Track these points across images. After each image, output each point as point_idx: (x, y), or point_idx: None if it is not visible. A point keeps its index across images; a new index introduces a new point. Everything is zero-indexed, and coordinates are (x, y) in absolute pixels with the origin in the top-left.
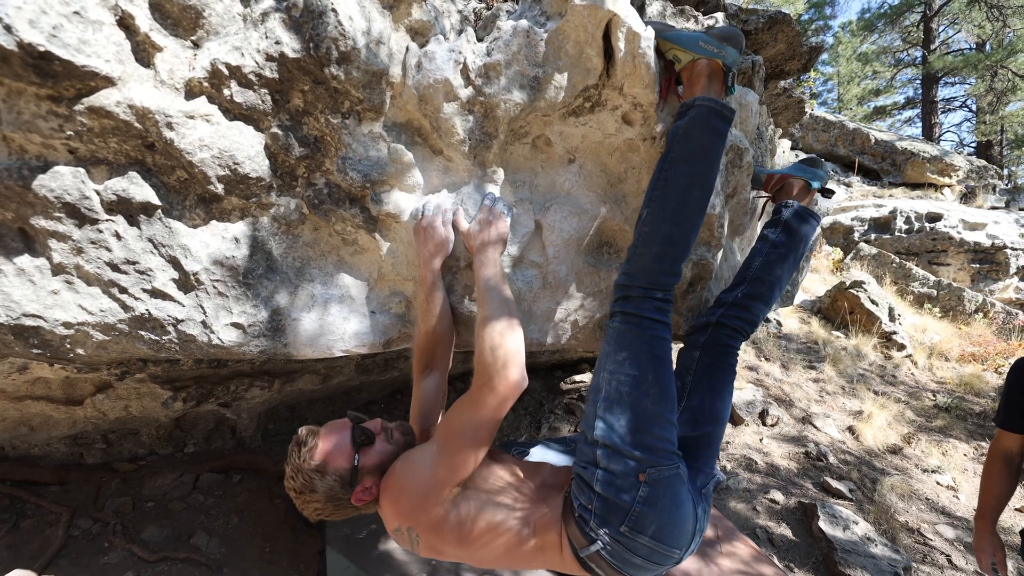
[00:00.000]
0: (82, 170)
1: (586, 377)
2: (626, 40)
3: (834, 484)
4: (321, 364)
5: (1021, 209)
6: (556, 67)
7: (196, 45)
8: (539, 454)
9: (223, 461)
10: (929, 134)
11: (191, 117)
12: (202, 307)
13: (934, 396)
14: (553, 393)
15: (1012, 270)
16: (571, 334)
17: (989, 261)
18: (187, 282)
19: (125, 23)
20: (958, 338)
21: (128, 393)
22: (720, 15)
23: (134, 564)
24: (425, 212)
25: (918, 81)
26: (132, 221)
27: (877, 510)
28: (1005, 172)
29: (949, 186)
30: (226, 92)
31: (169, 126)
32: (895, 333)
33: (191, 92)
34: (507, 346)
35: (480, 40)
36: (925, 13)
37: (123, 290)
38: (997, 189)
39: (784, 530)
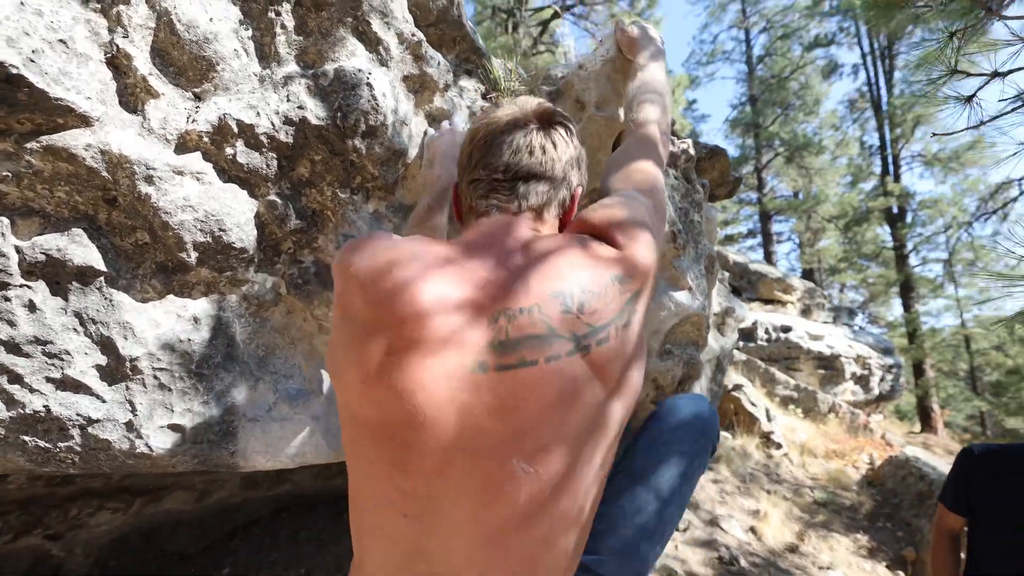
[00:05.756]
0: (5, 220)
1: None
2: None
3: None
4: (200, 478)
5: (845, 324)
6: None
7: (198, 97)
8: None
9: None
10: (769, 259)
11: (179, 173)
12: (131, 403)
13: (812, 491)
14: None
15: (847, 375)
16: None
17: (830, 368)
18: (117, 370)
19: (115, 62)
20: (820, 436)
21: None
22: (689, 141)
23: None
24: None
25: (756, 216)
26: (57, 289)
27: None
28: (827, 293)
29: (792, 303)
30: (228, 151)
31: (148, 180)
32: (772, 432)
33: (184, 146)
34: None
35: None
36: (756, 166)
37: (16, 378)
38: (825, 307)
39: None
